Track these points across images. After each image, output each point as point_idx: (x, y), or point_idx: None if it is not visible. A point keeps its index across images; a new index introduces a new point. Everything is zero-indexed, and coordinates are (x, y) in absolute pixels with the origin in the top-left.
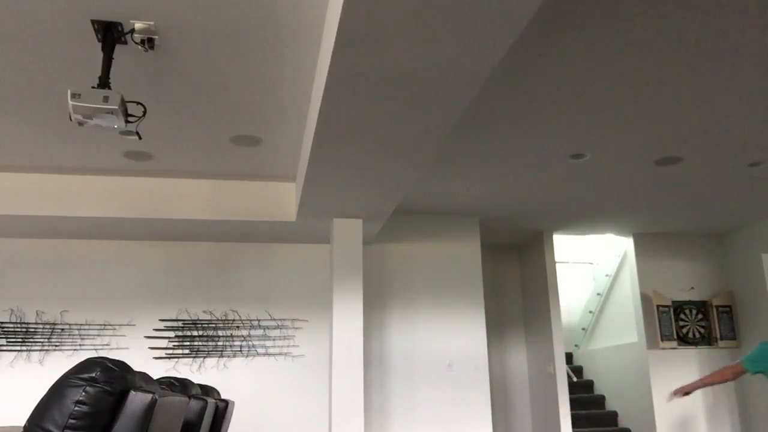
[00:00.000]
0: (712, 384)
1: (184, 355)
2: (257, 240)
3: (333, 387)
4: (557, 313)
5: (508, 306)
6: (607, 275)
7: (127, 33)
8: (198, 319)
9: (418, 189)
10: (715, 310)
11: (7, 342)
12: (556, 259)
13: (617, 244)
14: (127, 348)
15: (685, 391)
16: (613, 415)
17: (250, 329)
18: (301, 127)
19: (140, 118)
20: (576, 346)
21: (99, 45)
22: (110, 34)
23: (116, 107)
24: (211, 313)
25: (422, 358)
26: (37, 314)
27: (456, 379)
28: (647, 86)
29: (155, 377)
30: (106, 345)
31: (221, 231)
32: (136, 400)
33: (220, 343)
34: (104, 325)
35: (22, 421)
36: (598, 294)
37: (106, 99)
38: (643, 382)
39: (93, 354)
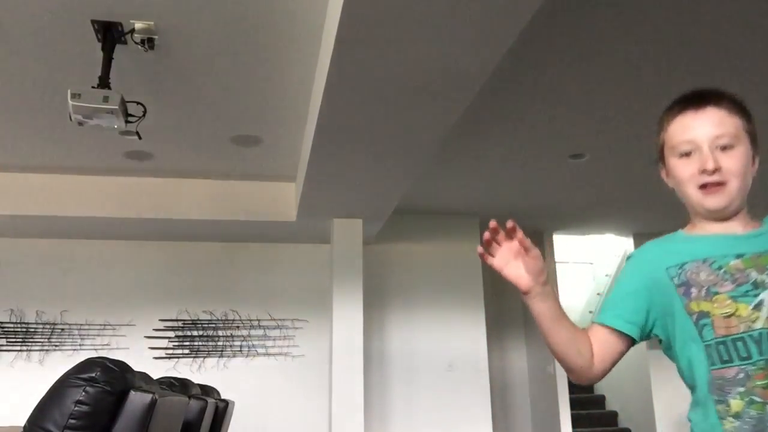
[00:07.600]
0: None
1: (184, 355)
2: (257, 240)
3: (333, 387)
4: None
5: (508, 306)
6: (607, 275)
7: (127, 33)
8: (198, 319)
9: (418, 189)
10: None
11: (7, 342)
12: (556, 259)
13: (617, 244)
14: (127, 348)
15: None
16: (613, 415)
17: (250, 329)
18: (301, 127)
19: (140, 118)
20: None
21: (99, 45)
22: (110, 34)
23: (116, 107)
24: (211, 313)
25: (422, 358)
26: (37, 314)
27: (456, 379)
28: (647, 86)
29: (155, 377)
30: (106, 345)
31: (221, 231)
32: (136, 400)
33: (220, 343)
34: (104, 325)
35: (22, 421)
36: (598, 294)
37: (106, 99)
38: (643, 382)
39: (93, 354)
